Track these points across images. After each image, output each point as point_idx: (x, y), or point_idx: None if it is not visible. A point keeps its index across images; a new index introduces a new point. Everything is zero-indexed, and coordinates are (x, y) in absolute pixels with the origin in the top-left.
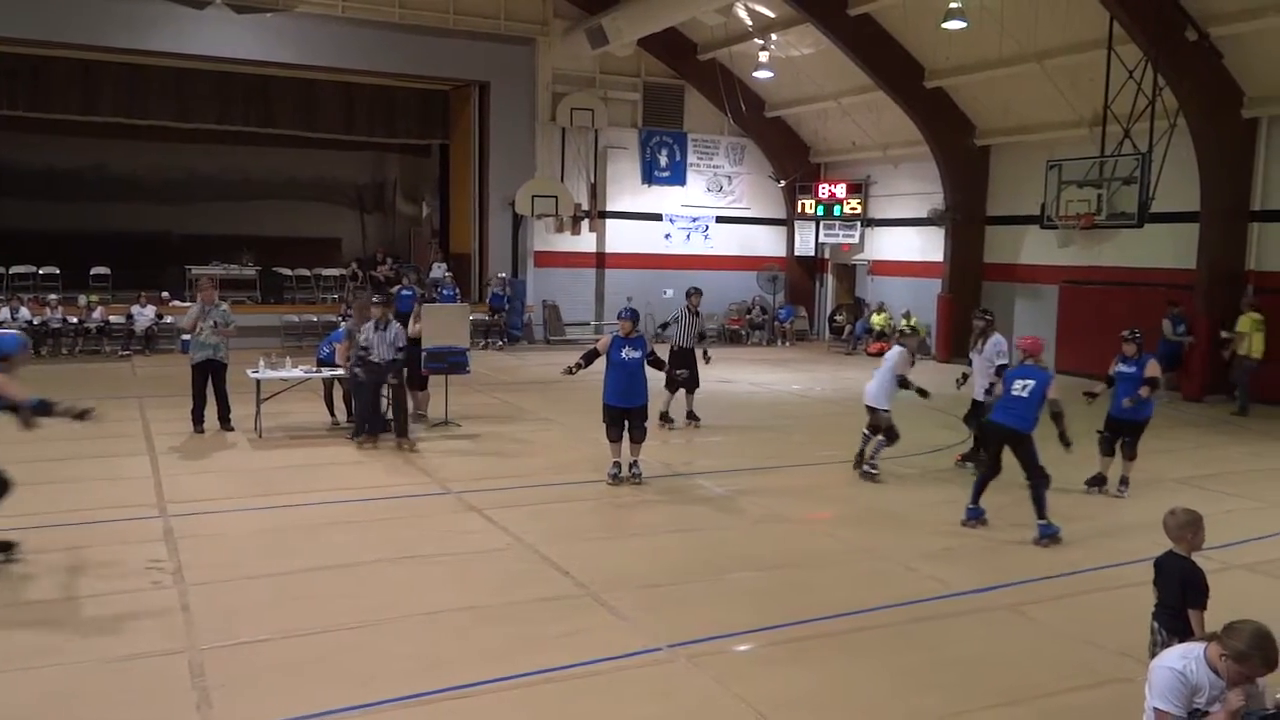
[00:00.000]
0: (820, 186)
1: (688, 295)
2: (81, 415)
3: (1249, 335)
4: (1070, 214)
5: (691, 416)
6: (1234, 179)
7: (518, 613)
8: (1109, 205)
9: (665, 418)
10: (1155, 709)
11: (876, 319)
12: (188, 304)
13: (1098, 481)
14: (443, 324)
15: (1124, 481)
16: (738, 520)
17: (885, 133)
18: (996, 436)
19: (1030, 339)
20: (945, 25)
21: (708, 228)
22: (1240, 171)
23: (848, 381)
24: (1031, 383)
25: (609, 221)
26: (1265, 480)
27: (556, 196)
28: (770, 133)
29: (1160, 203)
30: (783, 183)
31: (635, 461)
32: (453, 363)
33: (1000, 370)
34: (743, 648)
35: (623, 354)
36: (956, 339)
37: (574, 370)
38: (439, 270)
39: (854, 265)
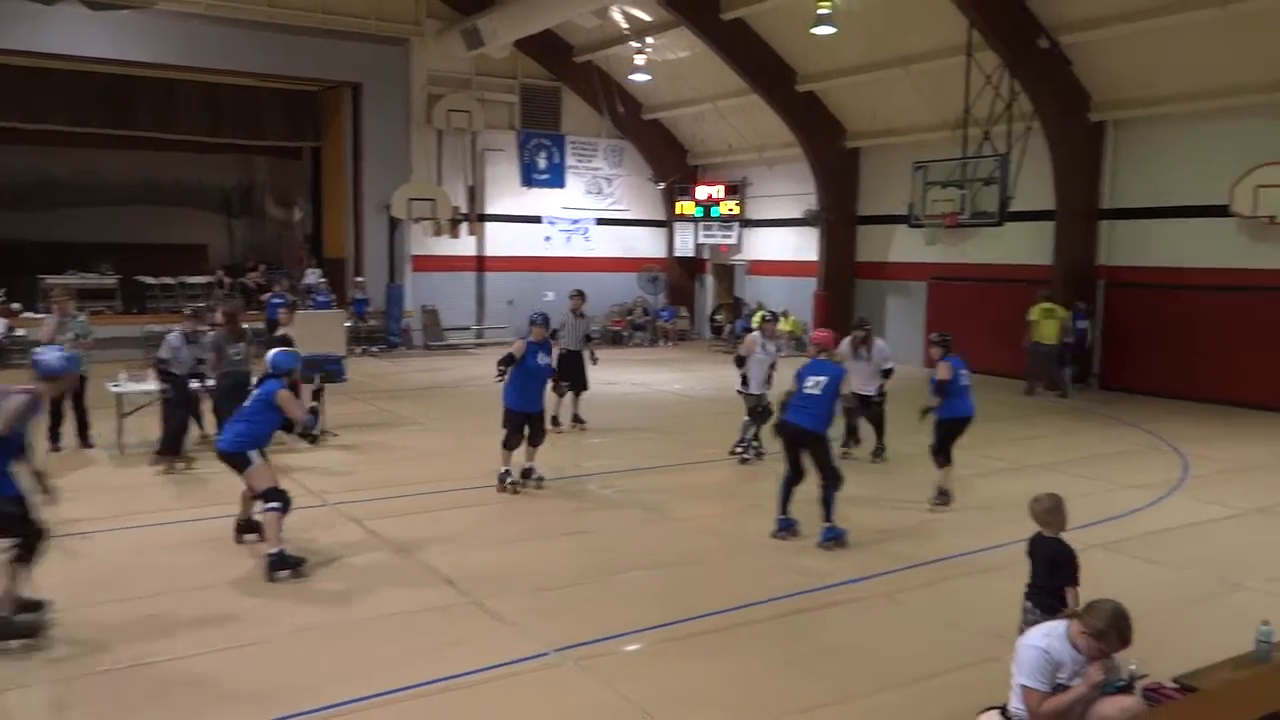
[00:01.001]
0: (698, 188)
1: (570, 298)
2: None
3: (1039, 322)
4: (936, 213)
5: (578, 419)
6: (1085, 179)
7: (400, 624)
8: (972, 204)
9: (554, 421)
10: (1022, 685)
11: (756, 318)
12: (42, 316)
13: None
14: (317, 331)
15: (941, 494)
16: (625, 520)
17: (760, 135)
18: (791, 437)
19: (822, 333)
20: (815, 31)
21: (588, 230)
22: (1090, 172)
23: (729, 380)
24: (824, 379)
25: (488, 224)
26: (1117, 463)
27: (434, 200)
28: (648, 135)
29: (1019, 202)
30: (661, 185)
31: (533, 466)
32: (328, 371)
33: (888, 373)
34: (632, 648)
35: (537, 359)
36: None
37: (502, 377)
38: (313, 276)
39: (733, 265)
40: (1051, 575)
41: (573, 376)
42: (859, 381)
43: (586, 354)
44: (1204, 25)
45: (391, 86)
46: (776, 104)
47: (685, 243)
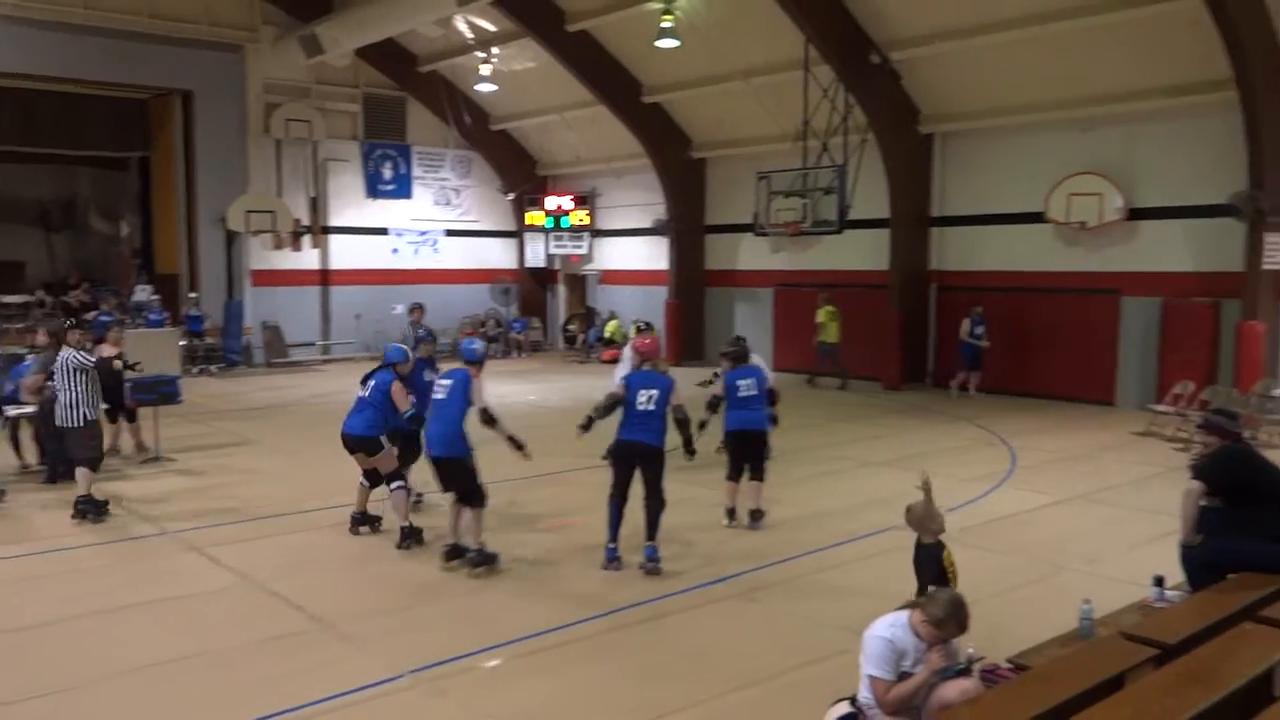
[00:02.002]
0: (548, 198)
1: (409, 311)
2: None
3: (825, 324)
4: (780, 222)
5: None
6: (916, 189)
7: (247, 655)
8: (813, 213)
9: None
10: (869, 676)
11: (609, 327)
12: None
13: (732, 514)
14: (150, 350)
15: (756, 514)
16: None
17: (608, 146)
18: (628, 455)
19: (645, 340)
20: (658, 44)
21: (437, 241)
22: (921, 182)
23: (583, 390)
24: (655, 392)
25: (332, 237)
26: (954, 458)
27: (274, 212)
28: (496, 145)
29: (857, 210)
30: (511, 195)
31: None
32: (163, 393)
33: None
34: (490, 664)
35: (423, 376)
36: (685, 343)
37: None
38: (143, 293)
39: (585, 275)
40: (941, 580)
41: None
42: None
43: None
44: (1018, 45)
45: (226, 95)
46: (623, 115)
47: (536, 253)
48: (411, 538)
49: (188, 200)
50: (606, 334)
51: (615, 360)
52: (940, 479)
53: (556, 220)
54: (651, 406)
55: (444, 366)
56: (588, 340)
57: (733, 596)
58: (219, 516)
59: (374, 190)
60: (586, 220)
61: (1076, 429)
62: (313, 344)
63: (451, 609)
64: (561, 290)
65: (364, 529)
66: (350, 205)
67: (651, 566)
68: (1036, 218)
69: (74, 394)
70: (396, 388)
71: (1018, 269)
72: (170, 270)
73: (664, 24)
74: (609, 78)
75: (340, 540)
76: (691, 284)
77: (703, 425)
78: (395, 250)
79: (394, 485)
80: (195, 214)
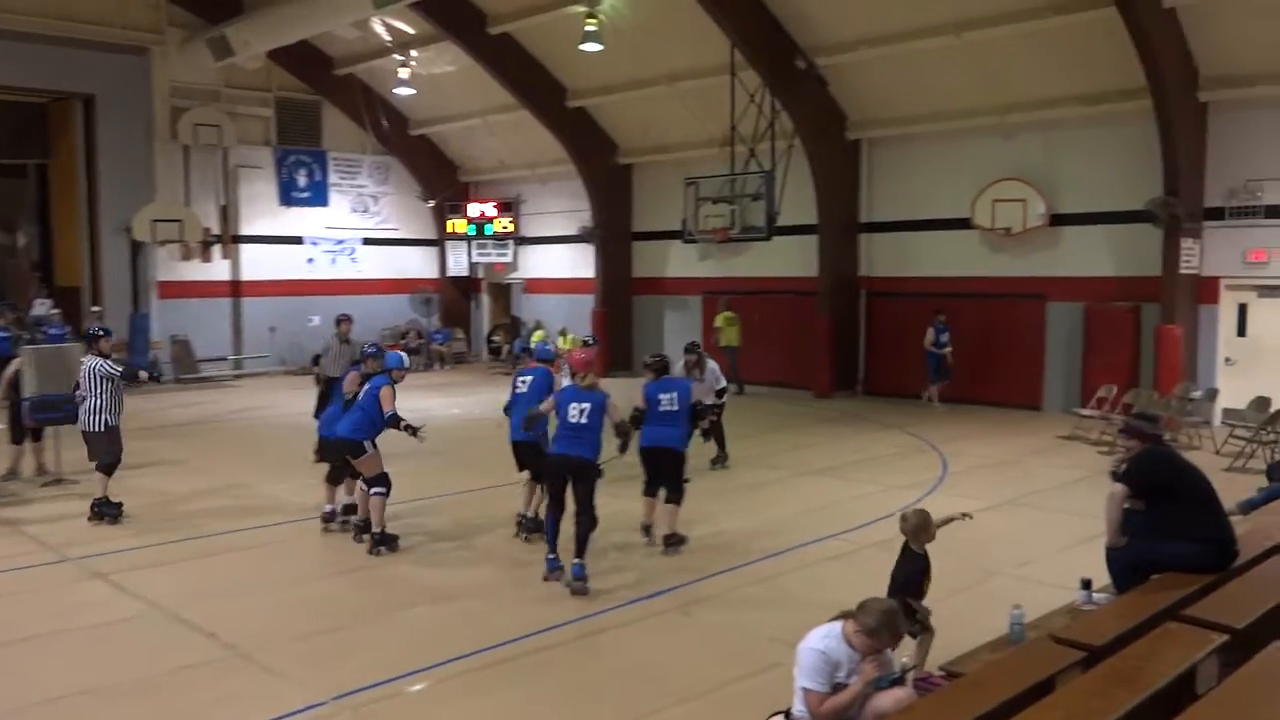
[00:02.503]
0: (470, 206)
1: (337, 323)
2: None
3: (724, 329)
4: (708, 229)
5: None
6: (844, 195)
7: (157, 686)
8: (741, 220)
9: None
10: (803, 688)
11: (535, 337)
12: None
13: (648, 531)
14: (51, 367)
15: (670, 540)
16: (404, 555)
17: (533, 151)
18: (560, 469)
19: (579, 354)
20: (582, 47)
21: (354, 250)
22: (849, 188)
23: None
24: (587, 406)
25: (244, 247)
26: (886, 465)
27: (182, 221)
28: (416, 151)
29: (785, 217)
30: (431, 202)
31: (354, 502)
32: (68, 411)
33: (722, 393)
34: (416, 688)
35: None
36: (612, 353)
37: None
38: (42, 307)
39: (509, 284)
40: (913, 587)
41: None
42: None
43: None
44: (940, 52)
45: (130, 99)
46: (547, 120)
47: (458, 262)
48: (384, 544)
49: (90, 209)
50: (532, 344)
51: None
52: (872, 486)
53: (479, 228)
54: (584, 420)
55: None
56: (513, 351)
57: (667, 611)
58: (125, 540)
59: (288, 198)
60: (510, 228)
61: (1005, 434)
62: (224, 359)
63: (378, 632)
64: (485, 300)
65: (339, 524)
66: (263, 214)
67: (579, 586)
68: (963, 224)
69: (99, 400)
70: (386, 391)
71: (946, 274)
72: (71, 283)
73: (588, 27)
74: (532, 81)
75: (258, 562)
76: (618, 292)
77: (623, 447)
78: (311, 260)
79: (375, 489)
80: (98, 223)
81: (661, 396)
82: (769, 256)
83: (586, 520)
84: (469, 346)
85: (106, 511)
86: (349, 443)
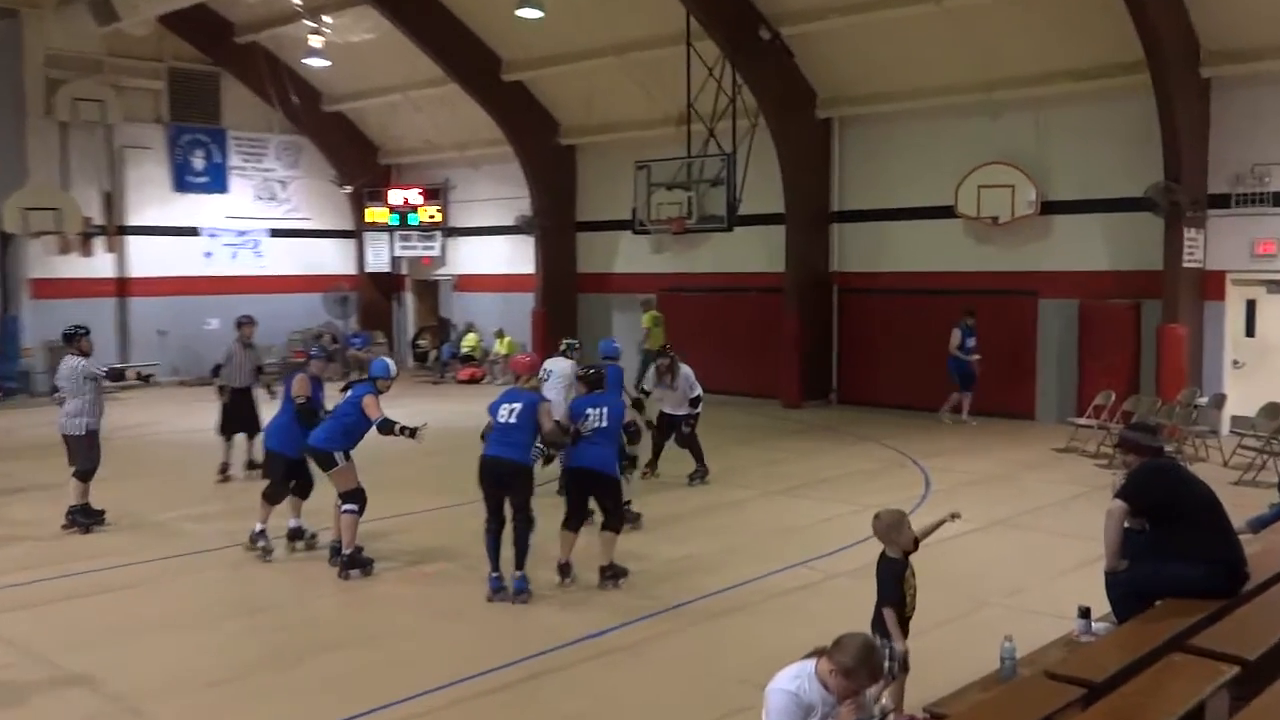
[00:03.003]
0: (392, 192)
1: (238, 325)
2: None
3: (651, 331)
4: (662, 218)
5: (253, 466)
6: (814, 180)
7: None
8: (699, 208)
9: (222, 470)
10: None
11: (467, 341)
12: None
13: (566, 572)
14: None
15: (607, 572)
16: (316, 591)
17: (463, 131)
18: (492, 473)
19: (522, 358)
20: (519, 13)
21: (259, 243)
22: (819, 173)
23: (443, 415)
24: (517, 406)
25: (131, 239)
26: (862, 483)
27: (59, 209)
28: (330, 130)
29: (748, 205)
30: (348, 188)
31: (302, 525)
32: None
33: (697, 401)
34: None
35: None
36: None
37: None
38: None
39: (437, 281)
40: (895, 596)
41: (243, 417)
42: (669, 407)
43: (265, 389)
44: (920, 21)
45: None
46: (480, 95)
47: (379, 256)
48: (358, 566)
49: None
50: (464, 349)
51: (474, 380)
52: (846, 506)
53: (403, 217)
54: (513, 420)
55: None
56: (441, 357)
57: (619, 650)
58: None
59: (182, 183)
60: (438, 217)
61: (994, 446)
62: (107, 367)
63: (290, 679)
64: (410, 299)
65: (262, 551)
66: (153, 201)
67: (521, 599)
68: (946, 212)
69: (82, 402)
70: (370, 399)
71: (927, 269)
72: None
73: None
74: (463, 52)
75: (149, 600)
76: (561, 290)
77: (548, 459)
78: (209, 254)
79: (347, 506)
80: None
81: (589, 412)
82: (730, 250)
83: (523, 521)
84: (391, 351)
85: (85, 520)
86: (320, 453)
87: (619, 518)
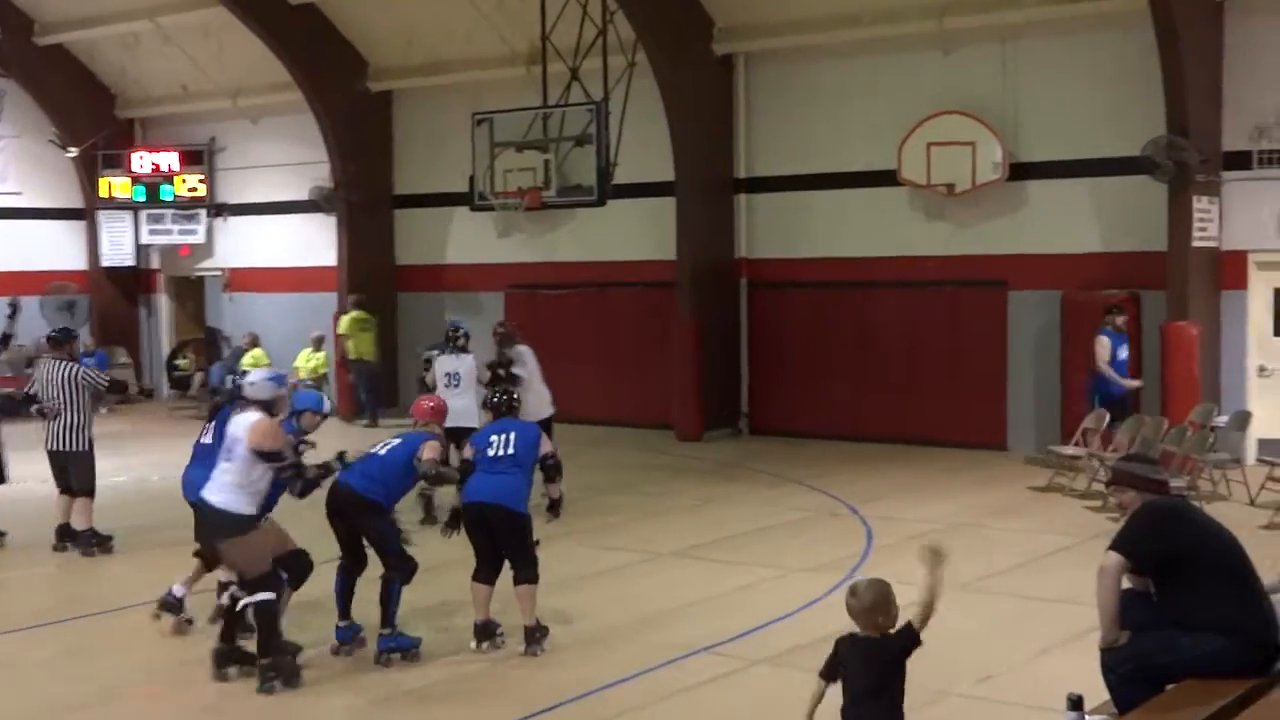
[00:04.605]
0: (136, 156)
1: None
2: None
3: (353, 337)
4: (511, 189)
5: None
6: (713, 137)
7: None
8: (560, 176)
9: None
10: None
11: (248, 359)
12: None
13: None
14: None
15: (535, 634)
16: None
17: (235, 72)
18: (339, 506)
19: (424, 404)
20: None
21: None
22: (720, 127)
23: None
24: (396, 442)
25: None
26: (783, 539)
27: None
28: (47, 71)
29: (626, 171)
30: (74, 151)
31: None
32: None
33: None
34: None
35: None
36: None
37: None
38: None
39: (201, 278)
40: (887, 686)
41: None
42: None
43: None
44: None
45: None
46: (256, 22)
47: (119, 245)
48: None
49: None
50: (244, 370)
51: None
52: (764, 571)
53: (152, 191)
54: (383, 453)
55: None
56: (209, 381)
57: None
58: None
59: None
60: (201, 190)
61: (954, 486)
62: None
63: None
64: (164, 303)
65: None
66: None
67: (385, 659)
68: (887, 179)
69: (77, 414)
70: (294, 423)
71: (863, 254)
72: None
73: None
74: None
75: None
76: (375, 287)
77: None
78: None
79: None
80: None
81: (493, 438)
82: (604, 230)
83: (393, 573)
84: (137, 375)
85: (95, 542)
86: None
87: (533, 564)
